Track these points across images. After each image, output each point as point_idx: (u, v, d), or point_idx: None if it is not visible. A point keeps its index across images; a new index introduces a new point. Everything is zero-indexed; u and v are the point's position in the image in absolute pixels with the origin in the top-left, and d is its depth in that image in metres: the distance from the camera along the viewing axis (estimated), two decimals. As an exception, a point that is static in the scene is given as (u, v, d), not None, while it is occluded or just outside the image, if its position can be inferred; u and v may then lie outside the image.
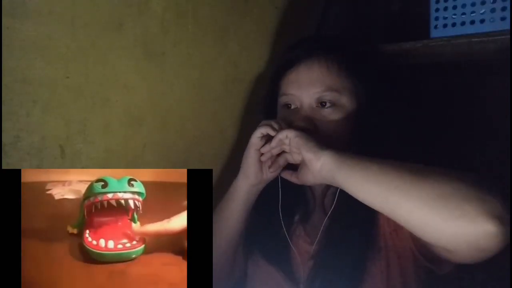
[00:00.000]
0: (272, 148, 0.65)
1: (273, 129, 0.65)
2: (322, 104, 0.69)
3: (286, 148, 0.65)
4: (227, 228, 0.72)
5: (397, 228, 0.65)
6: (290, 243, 0.72)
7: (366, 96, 0.71)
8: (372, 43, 0.93)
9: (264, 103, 0.79)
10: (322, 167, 0.59)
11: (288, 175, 0.70)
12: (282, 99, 0.73)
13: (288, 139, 0.63)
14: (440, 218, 0.48)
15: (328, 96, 0.68)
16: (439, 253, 0.56)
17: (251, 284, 0.76)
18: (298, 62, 0.71)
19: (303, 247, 0.72)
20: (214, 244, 0.64)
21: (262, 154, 0.67)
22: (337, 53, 0.71)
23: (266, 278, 0.73)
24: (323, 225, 0.69)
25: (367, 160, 0.57)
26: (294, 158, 0.66)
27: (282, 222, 0.73)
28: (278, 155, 0.68)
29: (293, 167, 0.69)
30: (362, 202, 0.56)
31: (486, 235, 0.45)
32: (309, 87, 0.69)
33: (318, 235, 0.69)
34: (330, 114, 0.68)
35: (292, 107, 0.72)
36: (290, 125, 0.67)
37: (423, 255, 0.62)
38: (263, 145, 0.67)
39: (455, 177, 0.50)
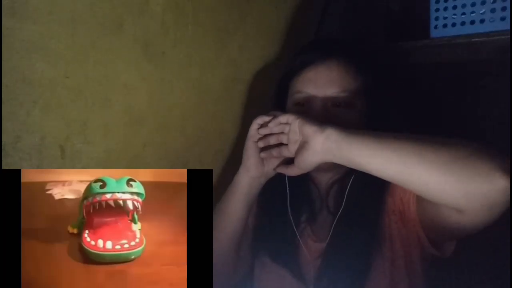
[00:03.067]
0: (271, 129, 0.65)
1: (269, 116, 0.65)
2: (336, 104, 0.70)
3: (284, 139, 0.64)
4: (229, 222, 0.72)
5: (403, 216, 0.66)
6: (301, 242, 0.73)
7: (378, 97, 0.73)
8: (375, 44, 0.93)
9: (274, 101, 0.79)
10: (327, 138, 0.58)
11: (283, 169, 0.68)
12: (295, 97, 0.73)
13: (288, 125, 0.63)
14: (455, 179, 0.50)
15: (344, 97, 0.69)
16: (448, 216, 0.56)
17: (258, 285, 0.77)
18: (316, 62, 0.72)
19: (312, 246, 0.72)
20: (216, 240, 0.65)
21: (260, 141, 0.67)
22: (354, 55, 0.72)
23: (274, 278, 0.74)
24: (333, 224, 0.69)
25: (375, 132, 0.57)
26: (291, 150, 0.64)
27: (292, 221, 0.73)
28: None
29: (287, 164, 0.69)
30: (371, 172, 0.56)
31: (499, 190, 0.48)
32: (327, 87, 0.70)
33: (330, 234, 0.69)
34: (343, 114, 0.69)
35: (305, 105, 0.72)
36: None
37: (428, 238, 0.63)
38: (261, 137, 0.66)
39: (467, 142, 0.52)
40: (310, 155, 0.60)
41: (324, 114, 0.69)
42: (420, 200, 0.63)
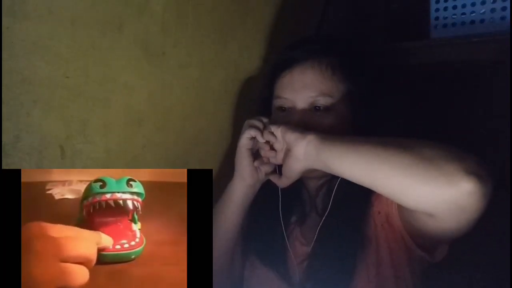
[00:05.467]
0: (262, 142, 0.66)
1: (259, 130, 0.66)
2: (315, 108, 0.69)
3: (272, 146, 0.66)
4: (225, 229, 0.72)
5: (389, 219, 0.65)
6: (288, 245, 0.72)
7: (360, 99, 0.70)
8: (370, 44, 0.93)
9: (261, 104, 0.79)
10: (308, 145, 0.59)
11: (276, 179, 0.69)
12: (277, 102, 0.73)
13: (274, 136, 0.64)
14: (420, 181, 0.49)
15: (322, 100, 0.68)
16: (423, 221, 0.55)
17: (247, 286, 0.76)
18: (292, 65, 0.70)
19: (299, 248, 0.72)
20: (213, 245, 0.64)
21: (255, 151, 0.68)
22: (331, 56, 0.70)
23: (263, 280, 0.73)
24: (319, 226, 0.69)
25: (350, 137, 0.59)
26: (278, 158, 0.66)
27: (282, 224, 0.73)
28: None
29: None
30: (344, 176, 0.57)
31: (464, 193, 0.46)
32: (303, 92, 0.69)
33: (315, 236, 0.69)
34: (324, 118, 0.68)
35: (286, 110, 0.72)
36: None
37: (416, 242, 0.62)
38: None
39: (435, 144, 0.51)
40: (294, 163, 0.62)
41: (303, 119, 0.68)
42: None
